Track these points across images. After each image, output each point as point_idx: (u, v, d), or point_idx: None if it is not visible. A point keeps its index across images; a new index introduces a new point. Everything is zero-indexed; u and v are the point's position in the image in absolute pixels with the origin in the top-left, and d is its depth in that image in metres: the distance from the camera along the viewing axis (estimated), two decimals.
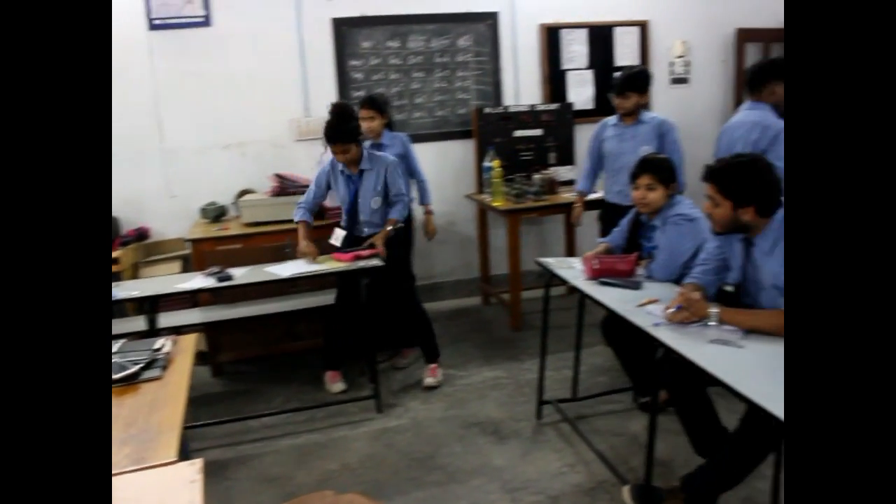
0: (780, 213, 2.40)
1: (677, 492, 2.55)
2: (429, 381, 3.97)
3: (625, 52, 5.60)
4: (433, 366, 4.03)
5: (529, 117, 5.25)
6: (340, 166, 3.81)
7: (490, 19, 5.27)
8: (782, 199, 2.44)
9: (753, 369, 2.04)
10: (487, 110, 5.21)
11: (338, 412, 3.71)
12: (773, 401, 1.80)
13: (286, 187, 4.40)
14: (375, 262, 3.60)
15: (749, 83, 3.72)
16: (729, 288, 2.75)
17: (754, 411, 1.81)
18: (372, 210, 3.83)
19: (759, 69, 3.71)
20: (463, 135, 5.32)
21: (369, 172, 3.78)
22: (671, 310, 2.39)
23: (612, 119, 4.25)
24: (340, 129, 3.61)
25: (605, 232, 3.93)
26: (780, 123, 3.55)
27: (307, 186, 4.02)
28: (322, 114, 4.98)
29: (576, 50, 5.50)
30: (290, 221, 3.97)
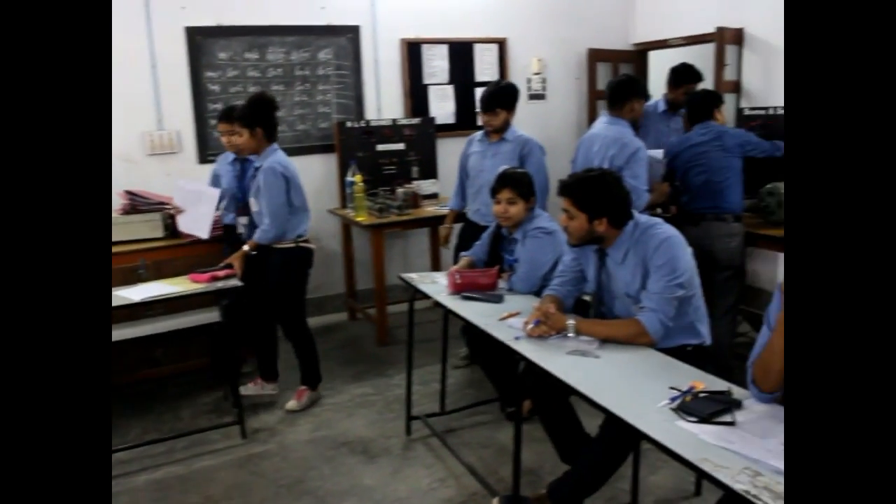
0: (630, 225, 2.53)
1: (545, 499, 2.61)
2: (290, 404, 3.82)
3: (485, 69, 5.73)
4: (303, 388, 3.89)
5: (392, 131, 5.25)
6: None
7: (351, 33, 5.24)
8: (632, 212, 2.57)
9: (609, 378, 2.12)
10: (349, 124, 5.16)
11: (200, 441, 3.52)
12: (627, 408, 1.88)
13: (137, 205, 4.15)
14: (234, 282, 3.45)
15: (610, 98, 3.88)
16: (586, 298, 2.87)
17: (612, 417, 1.88)
18: (253, 212, 3.70)
19: (621, 86, 3.87)
20: (325, 149, 5.24)
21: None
22: (530, 325, 2.44)
23: (478, 135, 4.20)
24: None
25: (463, 248, 3.87)
26: (638, 142, 3.74)
27: (162, 204, 3.81)
28: (176, 126, 4.79)
29: (437, 65, 5.56)
30: (144, 241, 3.74)
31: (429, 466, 3.21)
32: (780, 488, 1.46)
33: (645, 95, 3.88)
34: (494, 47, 5.75)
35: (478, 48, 5.69)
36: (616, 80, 3.99)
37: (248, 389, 3.96)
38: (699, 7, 5.44)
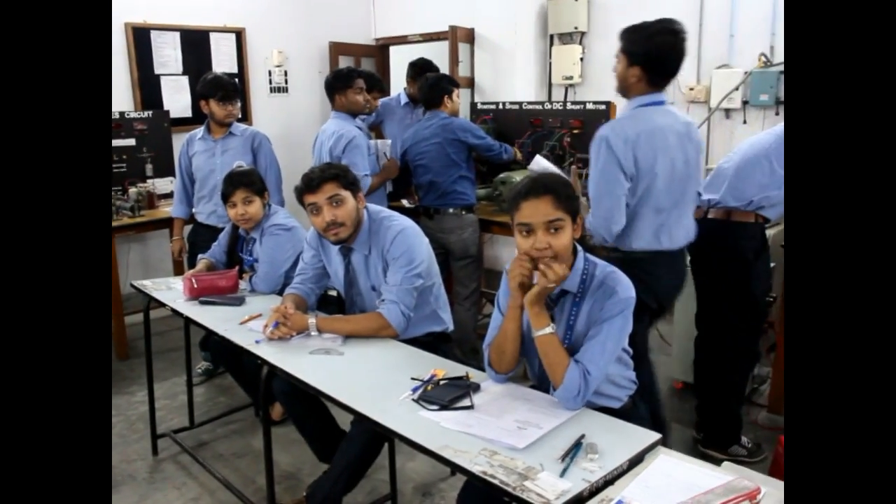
0: (366, 219, 2.53)
1: (303, 503, 2.54)
2: None
3: (222, 59, 5.46)
4: None
5: (121, 126, 4.80)
6: None
7: None
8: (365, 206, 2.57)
9: (352, 374, 2.10)
10: None
11: None
12: (371, 403, 1.86)
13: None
14: None
15: (327, 94, 3.90)
16: (332, 293, 2.83)
17: (359, 413, 1.86)
18: None
19: (326, 83, 3.92)
20: None
21: None
22: (269, 328, 2.35)
23: (197, 133, 3.96)
24: None
25: (195, 255, 3.64)
26: (354, 131, 3.77)
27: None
28: None
29: (169, 54, 5.19)
30: None
31: (179, 487, 2.99)
32: (515, 463, 1.53)
33: (345, 86, 3.85)
34: (232, 37, 5.49)
35: (214, 37, 5.39)
36: (328, 76, 3.99)
37: None
38: (434, 6, 5.64)
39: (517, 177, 4.04)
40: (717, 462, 1.83)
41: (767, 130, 3.12)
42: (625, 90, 2.73)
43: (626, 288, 1.87)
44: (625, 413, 2.01)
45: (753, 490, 1.38)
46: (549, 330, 1.84)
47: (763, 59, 4.35)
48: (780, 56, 4.31)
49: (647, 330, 2.90)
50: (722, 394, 3.12)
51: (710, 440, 3.16)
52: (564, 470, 1.51)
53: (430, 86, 4.01)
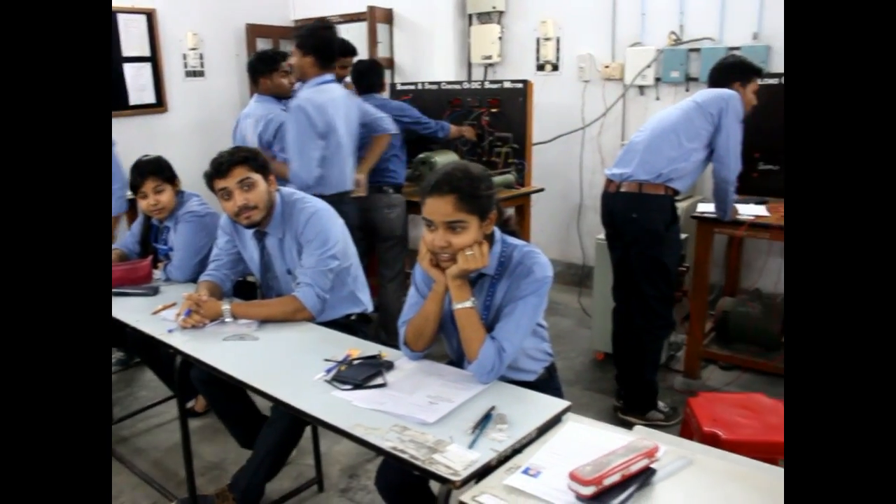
0: (278, 201, 2.50)
1: (226, 493, 2.50)
2: None
3: (133, 42, 5.26)
4: None
5: None
6: None
7: None
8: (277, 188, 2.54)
9: (267, 359, 2.08)
10: None
11: None
12: (284, 386, 1.85)
13: None
14: None
15: (250, 77, 3.83)
16: (251, 279, 2.79)
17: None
18: None
19: (254, 63, 3.81)
20: None
21: None
22: (181, 316, 2.30)
23: None
24: None
25: None
26: (283, 114, 3.70)
27: None
28: None
29: None
30: None
31: None
32: (425, 438, 1.55)
33: (270, 69, 3.79)
34: (142, 18, 5.29)
35: (122, 18, 5.19)
36: (251, 58, 3.92)
37: None
38: None
39: (437, 157, 4.06)
40: (628, 425, 1.91)
41: (675, 105, 3.22)
42: (303, 75, 3.50)
43: (542, 268, 1.91)
44: (540, 384, 2.06)
45: (651, 448, 1.43)
46: (468, 304, 1.86)
47: (673, 36, 4.47)
48: (688, 34, 4.44)
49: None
50: (638, 362, 3.23)
51: (629, 407, 3.27)
52: (473, 441, 1.54)
53: (366, 69, 4.11)
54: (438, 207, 1.80)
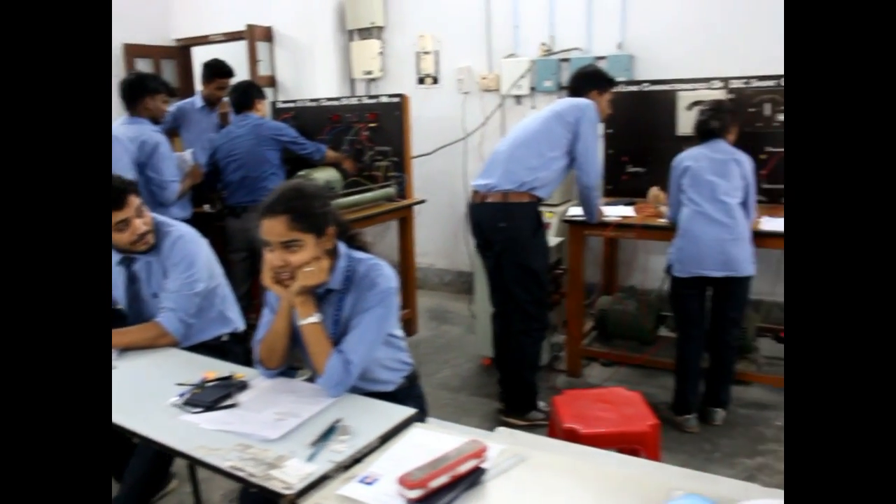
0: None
1: None
2: None
3: None
4: None
5: None
6: None
7: None
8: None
9: (123, 387, 2.03)
10: None
11: None
12: (135, 413, 1.82)
13: None
14: None
15: (123, 99, 3.73)
16: (119, 308, 2.72)
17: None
18: None
19: (130, 85, 3.72)
20: None
21: None
22: None
23: None
24: None
25: None
26: (158, 136, 3.65)
27: None
28: None
29: None
30: None
31: None
32: (266, 454, 1.56)
33: (156, 91, 3.75)
34: None
35: None
36: (125, 79, 3.83)
37: None
38: (231, 4, 5.51)
39: (317, 174, 4.07)
40: (517, 427, 1.97)
41: (535, 115, 3.34)
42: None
43: (387, 279, 1.95)
44: (400, 393, 2.10)
45: (479, 449, 1.49)
46: (313, 319, 1.89)
47: (544, 47, 4.63)
48: (559, 45, 4.61)
49: None
50: (518, 365, 3.32)
51: (510, 409, 3.35)
52: (313, 454, 1.56)
53: (243, 90, 4.11)
54: (273, 228, 1.82)
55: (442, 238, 5.16)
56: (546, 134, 3.17)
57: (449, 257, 5.29)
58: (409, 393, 2.15)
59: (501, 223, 3.17)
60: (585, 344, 3.97)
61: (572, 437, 2.29)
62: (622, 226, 3.51)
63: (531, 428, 3.16)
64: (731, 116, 3.20)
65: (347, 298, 1.96)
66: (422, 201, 4.42)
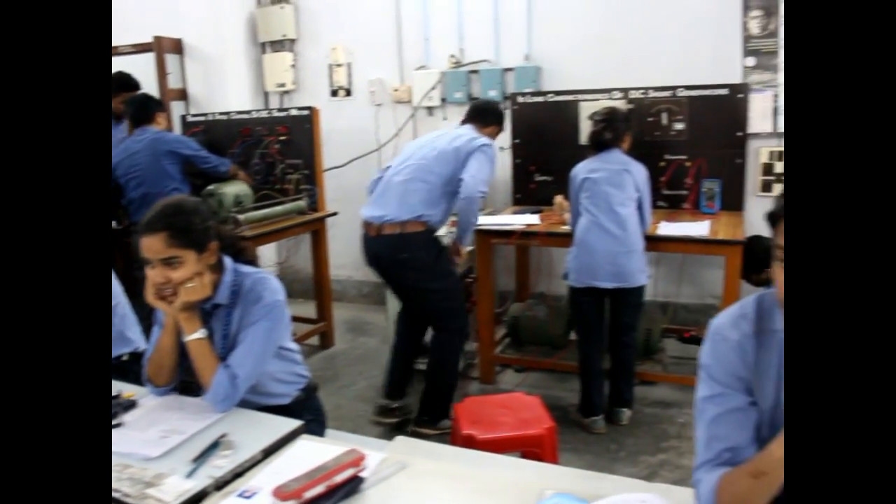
0: None
1: None
2: None
3: None
4: None
5: None
6: None
7: None
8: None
9: None
10: None
11: None
12: None
13: None
14: None
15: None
16: None
17: None
18: None
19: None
20: None
21: None
22: None
23: None
24: None
25: None
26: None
27: None
28: None
29: None
30: None
31: None
32: (145, 473, 1.55)
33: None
34: None
35: None
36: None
37: None
38: (138, 15, 5.39)
39: (227, 188, 4.03)
40: (428, 437, 2.00)
41: (430, 142, 3.34)
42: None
43: (273, 292, 1.96)
44: (297, 406, 2.10)
45: (356, 458, 1.51)
46: (198, 335, 1.89)
47: (453, 59, 4.71)
48: (469, 57, 4.69)
49: None
50: (434, 368, 3.35)
51: (422, 419, 3.37)
52: (192, 471, 1.55)
53: (141, 103, 4.03)
54: (152, 245, 1.82)
55: (358, 250, 5.14)
56: (442, 167, 3.20)
57: (366, 269, 5.27)
58: (306, 405, 2.16)
59: (402, 254, 3.20)
60: (499, 351, 4.04)
61: (470, 443, 2.33)
62: (527, 233, 3.59)
63: (444, 437, 3.19)
64: (624, 125, 3.30)
65: (234, 313, 1.95)
66: (334, 213, 4.42)
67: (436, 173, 3.20)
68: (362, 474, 1.52)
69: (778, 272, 1.19)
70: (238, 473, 1.57)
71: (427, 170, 3.22)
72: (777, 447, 1.16)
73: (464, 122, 3.43)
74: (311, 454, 1.65)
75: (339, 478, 1.47)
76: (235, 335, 1.95)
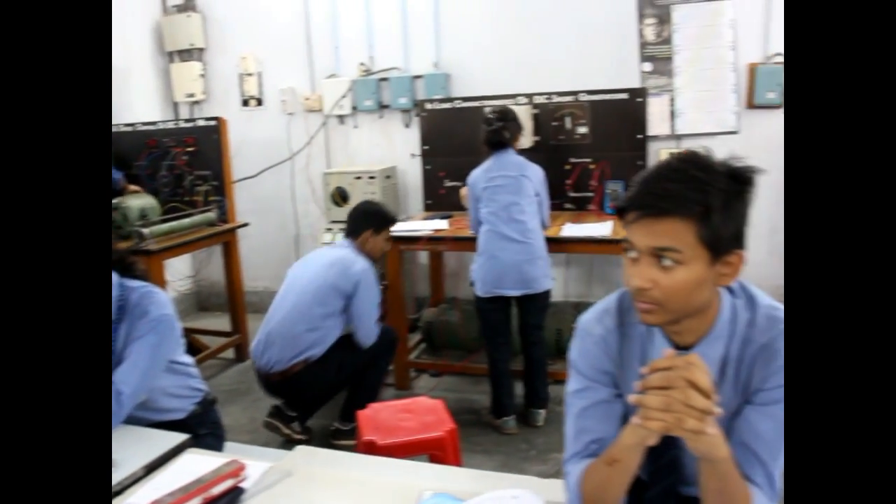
0: None
1: None
2: None
3: None
4: None
5: None
6: None
7: None
8: None
9: None
10: None
11: None
12: None
13: None
14: None
15: None
16: None
17: None
18: None
19: None
20: None
21: None
22: None
23: None
24: None
25: None
26: None
27: None
28: None
29: None
30: None
31: None
32: None
33: None
34: None
35: None
36: None
37: None
38: None
39: (131, 201, 3.94)
40: (347, 448, 2.01)
41: (307, 276, 3.34)
42: None
43: (159, 306, 1.93)
44: (193, 420, 2.08)
45: (236, 469, 1.52)
46: None
47: (363, 67, 4.73)
48: (378, 64, 4.72)
49: None
50: (367, 382, 3.35)
51: (341, 428, 3.34)
52: None
53: None
54: None
55: (275, 260, 5.11)
56: (320, 303, 3.19)
57: (283, 280, 5.25)
58: (202, 419, 2.15)
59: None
60: (415, 356, 4.07)
61: (371, 449, 2.35)
62: (434, 239, 3.63)
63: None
64: (516, 124, 3.37)
65: (121, 328, 1.92)
66: (244, 224, 4.37)
67: (317, 315, 3.19)
68: (243, 485, 1.52)
69: (626, 264, 1.24)
70: (118, 491, 1.55)
71: (306, 310, 3.19)
72: (627, 434, 1.23)
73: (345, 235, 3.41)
74: (196, 468, 1.65)
75: (217, 489, 1.47)
76: (122, 351, 1.92)
